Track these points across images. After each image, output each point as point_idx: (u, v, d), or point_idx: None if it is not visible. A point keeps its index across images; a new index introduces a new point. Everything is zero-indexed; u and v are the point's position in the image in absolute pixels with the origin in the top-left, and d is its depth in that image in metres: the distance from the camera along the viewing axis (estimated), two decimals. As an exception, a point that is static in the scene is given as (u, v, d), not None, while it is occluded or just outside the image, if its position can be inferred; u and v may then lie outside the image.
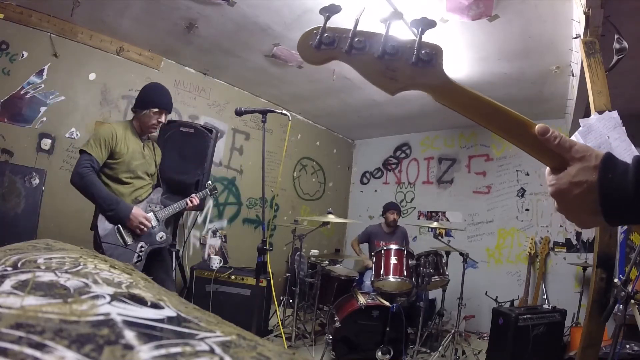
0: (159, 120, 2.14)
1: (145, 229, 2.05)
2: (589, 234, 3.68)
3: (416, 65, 0.53)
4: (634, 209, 0.48)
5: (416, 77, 0.54)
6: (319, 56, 0.55)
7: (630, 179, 0.48)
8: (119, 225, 1.99)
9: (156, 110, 2.12)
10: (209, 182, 2.65)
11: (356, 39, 0.54)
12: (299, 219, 3.77)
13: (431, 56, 0.53)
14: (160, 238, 2.15)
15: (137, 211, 2.03)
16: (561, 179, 0.53)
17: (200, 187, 2.72)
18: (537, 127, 0.56)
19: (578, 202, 0.52)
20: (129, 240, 2.02)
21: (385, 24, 0.55)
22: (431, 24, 0.54)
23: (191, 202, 2.30)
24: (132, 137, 2.14)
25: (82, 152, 2.00)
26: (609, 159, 0.51)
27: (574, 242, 3.80)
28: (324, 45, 0.55)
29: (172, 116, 3.65)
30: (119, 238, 1.99)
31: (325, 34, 0.55)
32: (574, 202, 0.53)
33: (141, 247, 2.07)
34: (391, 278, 2.97)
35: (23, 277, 0.41)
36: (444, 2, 2.33)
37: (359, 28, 0.55)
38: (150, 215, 2.11)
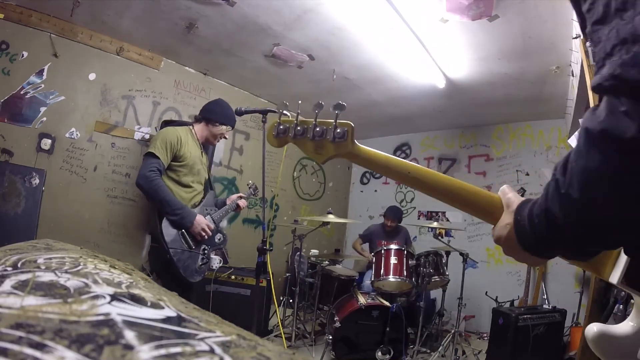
0: (227, 136, 2.37)
1: (205, 235, 2.13)
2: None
3: (334, 141, 0.74)
4: (539, 246, 0.53)
5: (335, 149, 0.75)
6: (279, 141, 0.80)
7: (527, 222, 0.53)
8: (184, 230, 2.05)
9: (230, 128, 2.35)
10: (250, 181, 2.75)
11: (298, 128, 0.77)
12: (299, 219, 3.76)
13: (343, 132, 0.74)
14: (219, 240, 2.26)
15: (200, 218, 2.11)
16: (496, 226, 0.62)
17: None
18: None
19: (509, 243, 0.58)
20: (192, 244, 2.09)
21: (315, 112, 0.77)
22: (342, 107, 0.73)
23: (239, 205, 2.44)
24: (192, 143, 2.23)
25: (149, 154, 2.05)
26: (523, 203, 0.57)
27: (574, 242, 3.80)
28: (281, 134, 0.79)
29: (172, 116, 3.67)
30: (184, 242, 2.05)
31: (281, 126, 0.79)
32: (507, 244, 0.59)
33: (204, 249, 2.15)
34: (391, 278, 2.97)
35: (23, 277, 0.41)
36: (444, 2, 2.32)
37: (301, 118, 0.78)
38: (208, 218, 2.18)
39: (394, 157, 0.74)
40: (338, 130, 0.74)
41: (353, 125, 0.75)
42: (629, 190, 0.40)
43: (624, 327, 0.65)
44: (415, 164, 0.73)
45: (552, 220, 0.48)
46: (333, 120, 0.75)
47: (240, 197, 2.47)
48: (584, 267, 0.65)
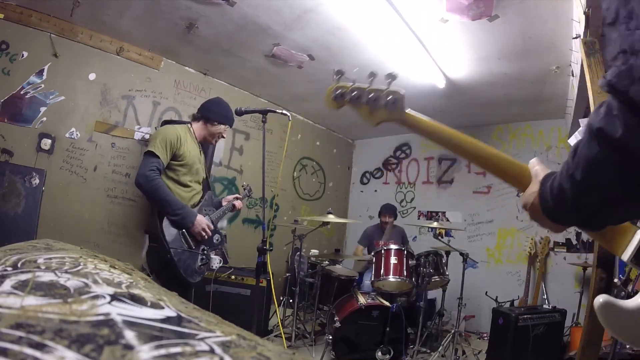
0: (225, 135, 2.35)
1: (206, 236, 2.12)
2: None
3: (386, 106, 0.84)
4: (557, 215, 0.61)
5: (387, 114, 0.85)
6: (337, 103, 0.89)
7: (548, 191, 0.62)
8: (184, 230, 2.04)
9: (229, 127, 2.33)
10: (245, 183, 2.75)
11: (354, 93, 0.86)
12: (299, 219, 3.76)
13: (395, 99, 0.83)
14: (217, 240, 2.24)
15: (201, 218, 2.10)
16: (524, 193, 0.71)
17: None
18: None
19: (535, 209, 0.66)
20: (192, 244, 2.08)
21: (369, 80, 0.87)
22: (394, 76, 0.85)
23: (235, 206, 2.43)
24: (191, 141, 2.21)
25: (149, 153, 2.02)
26: (548, 175, 0.65)
27: (574, 242, 3.80)
28: (338, 97, 0.88)
29: (172, 116, 3.67)
30: (184, 242, 2.04)
31: (338, 91, 0.88)
32: (533, 209, 0.67)
33: (203, 249, 2.14)
34: (391, 278, 2.96)
35: (23, 277, 0.41)
36: (444, 2, 2.32)
37: (357, 84, 0.88)
38: (207, 219, 2.17)
39: (441, 126, 0.83)
40: (389, 98, 0.83)
41: (403, 93, 0.84)
42: (619, 179, 0.48)
43: (632, 303, 0.70)
44: (460, 132, 0.81)
45: (563, 195, 0.57)
46: (385, 88, 0.84)
47: (237, 198, 2.46)
48: (600, 242, 0.79)
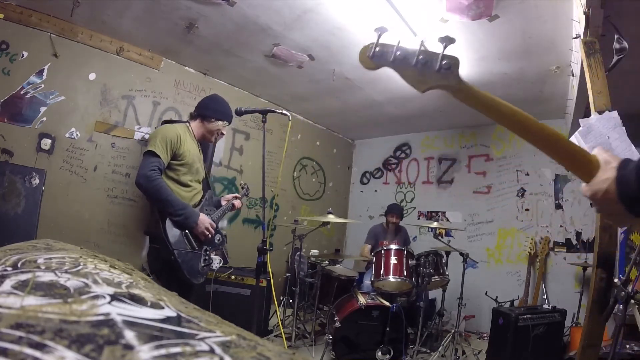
0: (224, 132, 2.30)
1: (209, 235, 2.11)
2: (588, 234, 3.68)
3: (439, 71, 0.74)
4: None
5: (439, 79, 0.75)
6: (373, 63, 0.76)
7: (633, 174, 0.58)
8: (187, 231, 2.02)
9: (227, 124, 2.28)
10: (242, 182, 2.75)
11: (398, 52, 0.75)
12: (299, 219, 3.76)
13: (450, 65, 0.74)
14: (218, 240, 2.22)
15: (204, 217, 2.08)
16: (592, 181, 0.64)
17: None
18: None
19: (607, 196, 0.62)
20: (195, 244, 2.05)
21: (421, 41, 0.76)
22: (452, 40, 0.75)
23: (234, 205, 2.43)
24: (190, 140, 2.18)
25: (149, 153, 1.99)
26: (626, 159, 0.61)
27: (574, 242, 3.80)
28: (377, 56, 0.75)
29: (172, 116, 3.67)
30: (187, 243, 2.02)
31: (377, 48, 0.75)
32: (605, 197, 0.62)
33: (205, 250, 2.12)
34: (391, 278, 2.97)
35: (23, 277, 0.41)
36: (444, 2, 2.32)
37: (400, 44, 0.76)
38: (208, 218, 2.15)
39: (501, 100, 0.74)
40: (444, 62, 0.74)
41: (459, 59, 0.74)
42: None
43: None
44: (520, 109, 0.72)
45: None
46: (438, 52, 0.75)
47: (236, 197, 2.45)
48: None
